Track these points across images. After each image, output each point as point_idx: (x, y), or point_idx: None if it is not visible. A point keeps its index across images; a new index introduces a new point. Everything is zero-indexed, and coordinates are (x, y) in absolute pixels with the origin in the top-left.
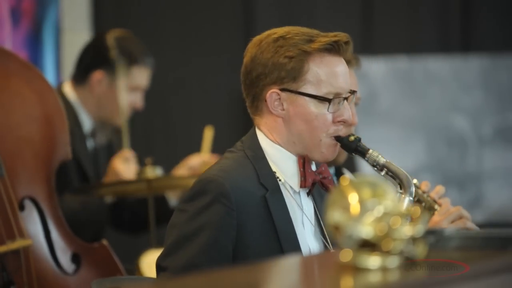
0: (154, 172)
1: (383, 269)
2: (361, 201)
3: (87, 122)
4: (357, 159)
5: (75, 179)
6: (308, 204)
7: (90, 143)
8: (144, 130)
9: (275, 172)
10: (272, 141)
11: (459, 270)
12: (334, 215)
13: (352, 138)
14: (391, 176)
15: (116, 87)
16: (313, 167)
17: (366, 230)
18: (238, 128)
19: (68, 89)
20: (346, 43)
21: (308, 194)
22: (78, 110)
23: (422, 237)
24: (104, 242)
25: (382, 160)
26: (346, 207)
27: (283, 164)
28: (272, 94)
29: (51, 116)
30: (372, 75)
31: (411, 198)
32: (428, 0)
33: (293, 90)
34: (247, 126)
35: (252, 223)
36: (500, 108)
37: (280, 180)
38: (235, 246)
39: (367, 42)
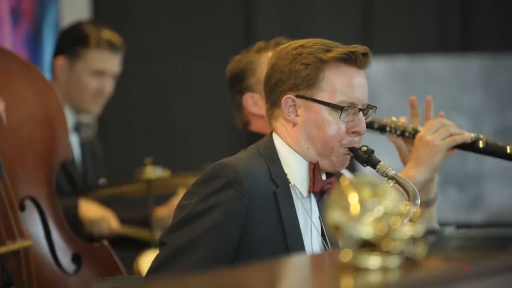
0: (154, 172)
1: (383, 269)
2: (361, 201)
3: (70, 117)
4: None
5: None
6: (315, 211)
7: (75, 139)
8: (144, 130)
9: (286, 174)
10: (287, 144)
11: (459, 270)
12: (334, 215)
13: (364, 148)
14: (399, 187)
15: (78, 72)
16: (324, 177)
17: (366, 230)
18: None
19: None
20: (364, 55)
21: (318, 201)
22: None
23: (422, 237)
24: (105, 242)
25: (391, 172)
26: (346, 207)
27: (294, 167)
28: (287, 99)
29: (51, 116)
30: (372, 75)
31: (415, 210)
32: (428, 0)
33: (307, 97)
34: None
35: (260, 214)
36: (500, 108)
37: (290, 183)
38: (242, 234)
39: (367, 42)
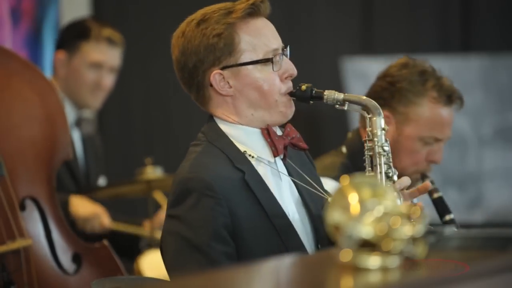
0: (154, 172)
1: (383, 269)
2: (361, 201)
3: (71, 113)
4: None
5: (61, 171)
6: (284, 170)
7: (76, 134)
8: (144, 130)
9: (245, 152)
10: (232, 122)
11: (459, 270)
12: (334, 215)
13: (303, 87)
14: (355, 106)
15: (76, 65)
16: (279, 132)
17: (366, 230)
18: None
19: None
20: (263, 1)
21: (283, 159)
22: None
23: (422, 237)
24: (105, 242)
25: (340, 95)
26: (346, 207)
27: (250, 140)
28: (215, 76)
29: (52, 116)
30: (372, 75)
31: (382, 118)
32: (428, 0)
33: (233, 64)
34: None
35: (241, 208)
36: (500, 108)
37: (253, 157)
38: (233, 233)
39: (367, 42)
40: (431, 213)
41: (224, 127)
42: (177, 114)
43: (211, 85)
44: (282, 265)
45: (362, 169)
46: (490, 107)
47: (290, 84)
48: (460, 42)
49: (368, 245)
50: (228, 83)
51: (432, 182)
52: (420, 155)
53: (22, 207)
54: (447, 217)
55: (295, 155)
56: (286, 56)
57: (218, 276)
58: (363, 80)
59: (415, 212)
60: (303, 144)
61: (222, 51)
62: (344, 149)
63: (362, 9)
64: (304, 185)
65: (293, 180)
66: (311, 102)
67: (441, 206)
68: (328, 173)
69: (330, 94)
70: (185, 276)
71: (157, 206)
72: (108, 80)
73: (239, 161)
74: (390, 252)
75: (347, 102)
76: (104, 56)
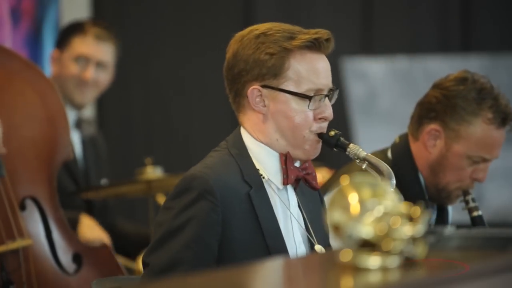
0: (154, 172)
1: (383, 269)
2: (361, 201)
3: (70, 114)
4: None
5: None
6: (292, 200)
7: (76, 136)
8: (144, 130)
9: (258, 170)
10: (256, 139)
11: (459, 270)
12: (334, 215)
13: (332, 133)
14: (372, 168)
15: (64, 60)
16: (297, 164)
17: (366, 230)
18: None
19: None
20: (327, 40)
21: (295, 189)
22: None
23: (422, 237)
24: (105, 242)
25: (362, 153)
26: (346, 207)
27: (266, 161)
28: (253, 90)
29: (53, 116)
30: (372, 75)
31: (391, 189)
32: (428, 0)
33: (274, 87)
34: None
35: (236, 219)
36: None
37: (263, 178)
38: (221, 242)
39: (367, 42)
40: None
41: (247, 140)
42: (177, 114)
43: (247, 97)
44: (282, 265)
45: (405, 176)
46: None
47: (323, 125)
48: (460, 42)
49: (368, 245)
50: (264, 101)
51: (473, 200)
52: (465, 173)
53: (23, 207)
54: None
55: (309, 192)
56: (330, 99)
57: (217, 276)
58: (363, 80)
59: (415, 212)
60: (315, 184)
61: (268, 70)
62: (389, 154)
63: (362, 9)
64: (305, 217)
65: (302, 213)
66: (335, 149)
67: (479, 225)
68: None
69: (354, 149)
70: (184, 276)
71: (158, 207)
72: (93, 74)
73: (249, 176)
74: (390, 252)
75: (366, 162)
76: (90, 49)
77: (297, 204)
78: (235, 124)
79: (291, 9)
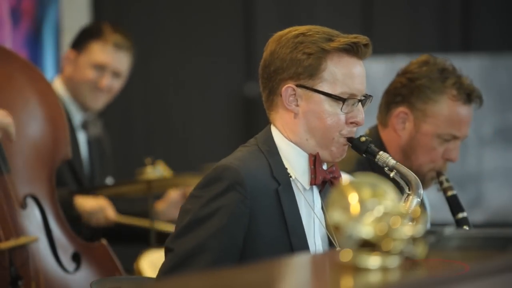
0: (154, 172)
1: (383, 269)
2: (361, 201)
3: (77, 115)
4: None
5: (65, 173)
6: (317, 202)
7: (82, 136)
8: (144, 130)
9: (287, 169)
10: (286, 138)
11: (459, 270)
12: (334, 215)
13: (363, 139)
14: (400, 177)
15: (81, 64)
16: (324, 167)
17: (366, 230)
18: (237, 128)
19: (58, 85)
20: (366, 45)
21: (320, 192)
22: (67, 104)
23: (422, 237)
24: (103, 241)
25: (392, 161)
26: (346, 207)
27: (295, 161)
28: (287, 88)
29: (52, 115)
30: (372, 75)
31: (418, 200)
32: (428, 0)
33: (308, 87)
34: (247, 126)
35: (264, 214)
36: (500, 108)
37: (291, 177)
38: (246, 235)
39: None
40: (445, 211)
41: (278, 138)
42: (177, 114)
43: (281, 96)
44: (282, 265)
45: (377, 165)
46: (490, 107)
47: (353, 130)
48: (460, 42)
49: (368, 245)
50: (297, 100)
51: (447, 180)
52: (437, 153)
53: (23, 205)
54: (460, 215)
55: (326, 193)
56: (363, 105)
57: (218, 276)
58: None
59: (415, 212)
60: None
61: (304, 69)
62: None
63: (362, 9)
64: (327, 225)
65: (324, 215)
66: (364, 155)
67: (454, 204)
68: (344, 167)
69: (383, 157)
70: (186, 276)
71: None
72: (109, 82)
73: (278, 173)
74: (390, 252)
75: (395, 171)
76: (109, 58)
77: (321, 206)
78: (235, 125)
79: (291, 9)
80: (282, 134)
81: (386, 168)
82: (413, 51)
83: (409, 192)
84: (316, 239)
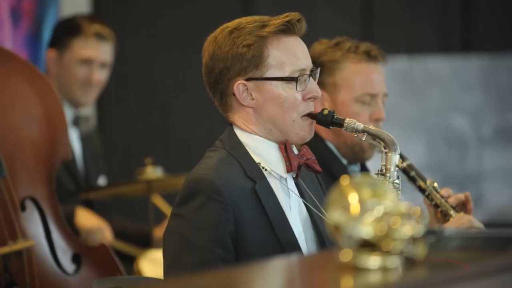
0: (154, 172)
1: (383, 269)
2: (361, 201)
3: (68, 112)
4: None
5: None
6: (295, 189)
7: (74, 133)
8: (144, 130)
9: (259, 163)
10: (250, 133)
11: (459, 270)
12: (334, 215)
13: (326, 112)
14: (373, 138)
15: (66, 63)
16: (295, 151)
17: (366, 230)
18: None
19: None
20: (299, 20)
21: (295, 178)
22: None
23: (422, 237)
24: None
25: (360, 126)
26: (346, 207)
27: (265, 153)
28: (238, 85)
29: (51, 116)
30: None
31: (397, 155)
32: (428, 0)
33: (258, 77)
34: None
35: (246, 216)
36: (500, 108)
37: (266, 170)
38: (236, 241)
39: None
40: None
41: (242, 136)
42: (177, 114)
43: (234, 94)
44: (282, 265)
45: (317, 152)
46: (490, 107)
47: (311, 105)
48: (460, 42)
49: (368, 245)
50: (251, 94)
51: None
52: (362, 117)
53: (22, 208)
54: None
55: (308, 178)
56: (314, 78)
57: (217, 276)
58: None
59: (415, 212)
60: (317, 167)
61: (249, 62)
62: None
63: (362, 9)
64: (313, 208)
65: (303, 201)
66: (331, 127)
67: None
68: None
69: (350, 123)
70: (185, 276)
71: (157, 208)
72: (99, 76)
73: (252, 171)
74: (390, 252)
75: (366, 133)
76: (94, 52)
77: (298, 194)
78: None
79: (291, 9)
80: (245, 131)
81: (355, 134)
82: (413, 51)
83: (385, 150)
84: (301, 224)
